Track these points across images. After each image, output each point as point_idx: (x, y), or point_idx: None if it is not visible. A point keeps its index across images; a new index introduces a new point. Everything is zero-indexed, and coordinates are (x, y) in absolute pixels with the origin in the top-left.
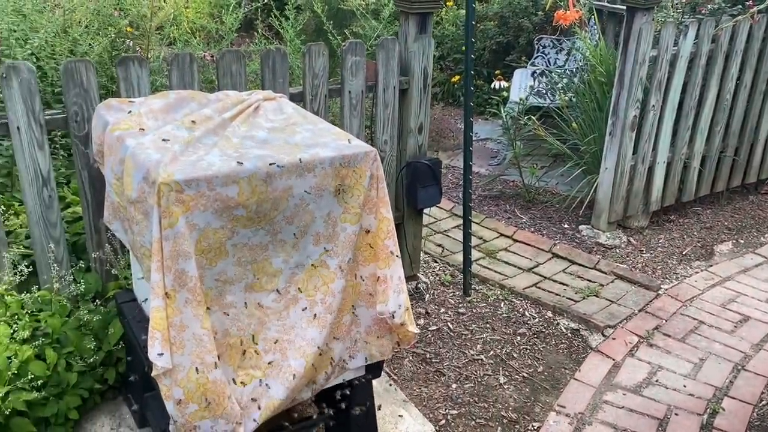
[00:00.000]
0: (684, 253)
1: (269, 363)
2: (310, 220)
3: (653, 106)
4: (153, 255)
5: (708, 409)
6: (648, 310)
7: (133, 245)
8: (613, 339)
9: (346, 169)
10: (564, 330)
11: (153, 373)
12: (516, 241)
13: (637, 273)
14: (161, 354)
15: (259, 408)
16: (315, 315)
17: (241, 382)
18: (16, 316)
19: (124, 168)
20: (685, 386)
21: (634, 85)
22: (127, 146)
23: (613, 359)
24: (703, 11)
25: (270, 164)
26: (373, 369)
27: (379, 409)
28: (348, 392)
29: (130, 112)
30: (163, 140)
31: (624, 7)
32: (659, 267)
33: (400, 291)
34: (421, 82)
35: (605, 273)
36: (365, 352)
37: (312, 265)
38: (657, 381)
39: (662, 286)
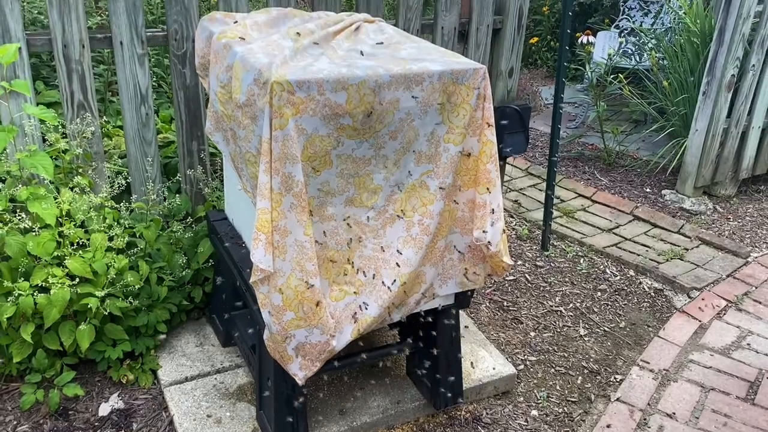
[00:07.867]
0: None
1: (363, 280)
2: (414, 137)
3: (753, 66)
4: (262, 156)
5: None
6: (737, 276)
7: (236, 154)
8: (702, 300)
9: (454, 85)
10: (647, 289)
11: (251, 279)
12: (595, 202)
13: (725, 239)
14: (264, 256)
15: (353, 322)
16: (411, 236)
17: (335, 297)
18: (113, 228)
19: (232, 73)
20: None
21: (735, 41)
22: (236, 52)
23: (700, 321)
24: None
25: (379, 73)
26: (462, 299)
27: None
28: (434, 320)
29: (235, 22)
30: (271, 47)
31: None
32: (748, 236)
33: (498, 219)
34: (515, 21)
35: (689, 238)
36: (457, 279)
37: (412, 184)
38: (748, 345)
39: (751, 254)
